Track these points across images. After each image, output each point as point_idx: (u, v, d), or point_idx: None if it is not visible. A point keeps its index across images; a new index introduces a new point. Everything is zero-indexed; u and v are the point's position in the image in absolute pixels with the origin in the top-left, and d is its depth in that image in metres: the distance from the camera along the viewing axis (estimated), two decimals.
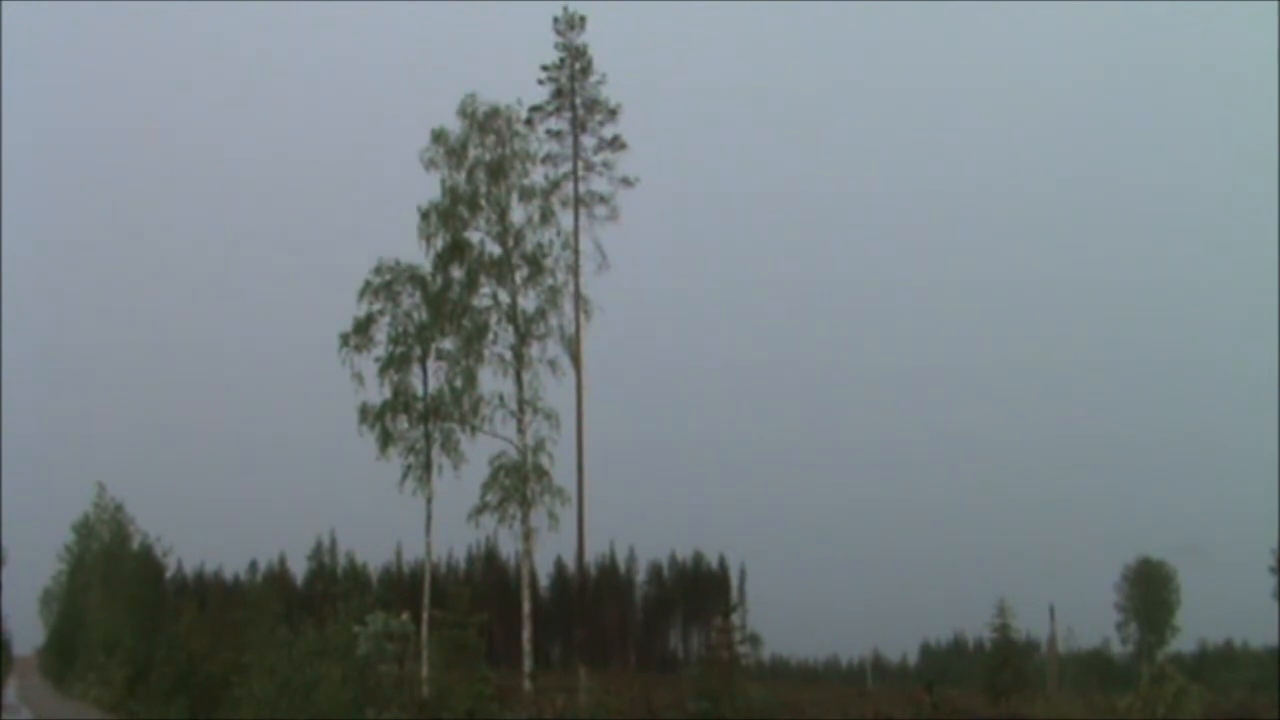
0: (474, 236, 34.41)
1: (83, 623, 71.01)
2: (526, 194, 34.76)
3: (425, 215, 34.21)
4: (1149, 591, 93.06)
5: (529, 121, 37.27)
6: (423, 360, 34.81)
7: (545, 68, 41.14)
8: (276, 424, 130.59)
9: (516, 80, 39.60)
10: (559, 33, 41.25)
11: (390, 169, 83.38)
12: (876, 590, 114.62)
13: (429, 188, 34.42)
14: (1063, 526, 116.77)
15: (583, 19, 41.25)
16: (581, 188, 40.10)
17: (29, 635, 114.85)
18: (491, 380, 33.99)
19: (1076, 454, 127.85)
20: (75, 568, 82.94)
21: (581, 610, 69.82)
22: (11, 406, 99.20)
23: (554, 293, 34.49)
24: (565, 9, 41.17)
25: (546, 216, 34.73)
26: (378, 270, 34.98)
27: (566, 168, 40.46)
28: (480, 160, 34.45)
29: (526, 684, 32.31)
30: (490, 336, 34.02)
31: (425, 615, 32.45)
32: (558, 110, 41.04)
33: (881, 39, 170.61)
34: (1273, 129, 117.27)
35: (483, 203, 34.39)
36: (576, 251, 37.28)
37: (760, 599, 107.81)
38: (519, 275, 34.31)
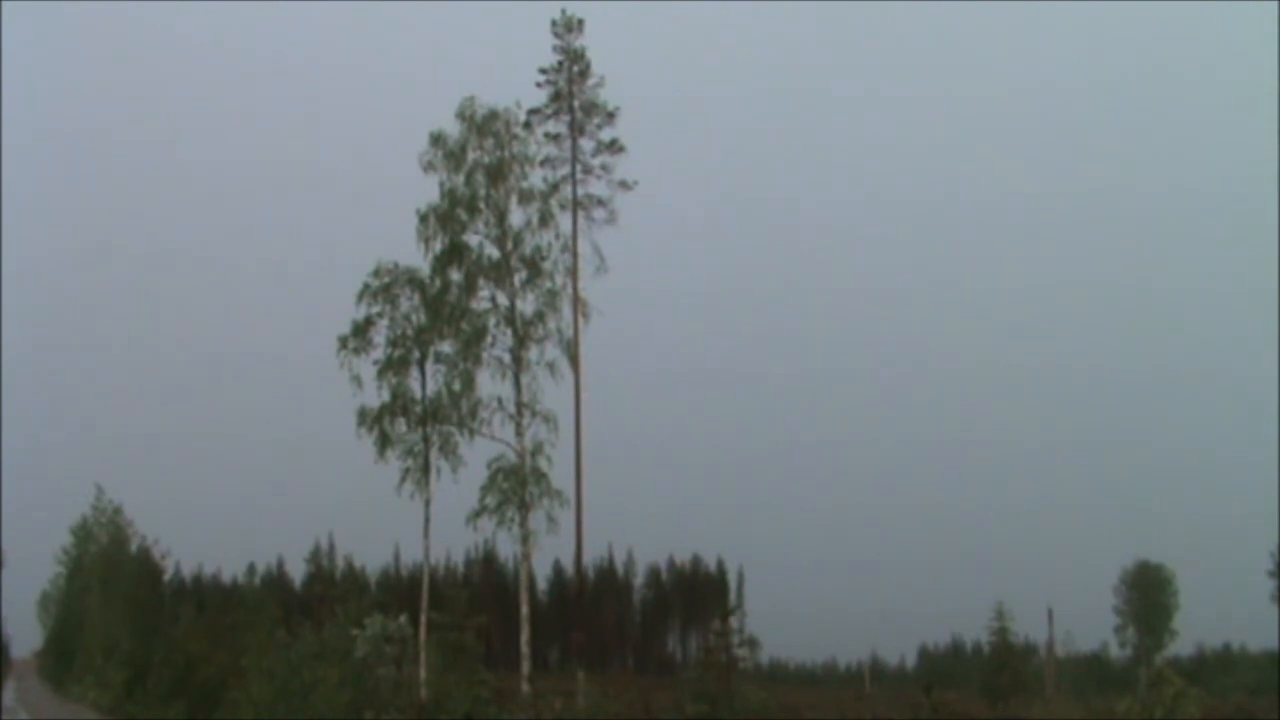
0: (472, 239, 34.44)
1: (81, 625, 70.88)
2: (525, 197, 34.75)
3: (424, 218, 34.17)
4: (1147, 595, 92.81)
5: (527, 124, 37.25)
6: (421, 363, 34.80)
7: (544, 70, 41.22)
8: (275, 427, 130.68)
9: (515, 83, 39.72)
10: (557, 35, 41.34)
11: (389, 172, 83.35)
12: (874, 593, 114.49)
13: (428, 190, 34.49)
14: (1061, 530, 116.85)
15: (581, 22, 41.33)
16: (580, 191, 40.21)
17: (27, 638, 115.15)
18: (490, 383, 34.01)
19: (1075, 457, 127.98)
20: (73, 570, 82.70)
21: (579, 613, 69.94)
22: (11, 409, 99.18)
23: (552, 295, 34.48)
24: (563, 12, 41.24)
25: (545, 219, 34.71)
26: (376, 273, 34.97)
27: (565, 171, 40.59)
28: (479, 163, 34.42)
29: (524, 686, 32.28)
30: (489, 339, 34.01)
31: (423, 618, 32.41)
32: (556, 113, 41.13)
33: (883, 42, 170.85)
34: (1273, 130, 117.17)
35: (481, 205, 34.37)
36: (575, 254, 37.41)
37: (758, 602, 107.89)
38: (517, 278, 34.29)
